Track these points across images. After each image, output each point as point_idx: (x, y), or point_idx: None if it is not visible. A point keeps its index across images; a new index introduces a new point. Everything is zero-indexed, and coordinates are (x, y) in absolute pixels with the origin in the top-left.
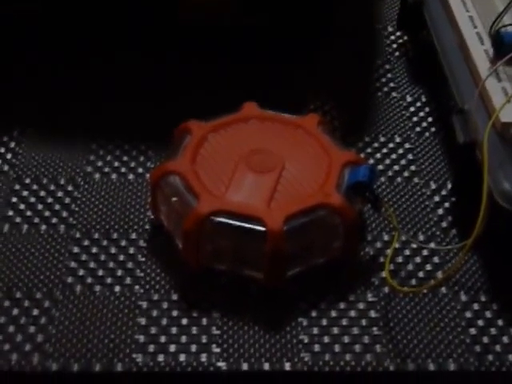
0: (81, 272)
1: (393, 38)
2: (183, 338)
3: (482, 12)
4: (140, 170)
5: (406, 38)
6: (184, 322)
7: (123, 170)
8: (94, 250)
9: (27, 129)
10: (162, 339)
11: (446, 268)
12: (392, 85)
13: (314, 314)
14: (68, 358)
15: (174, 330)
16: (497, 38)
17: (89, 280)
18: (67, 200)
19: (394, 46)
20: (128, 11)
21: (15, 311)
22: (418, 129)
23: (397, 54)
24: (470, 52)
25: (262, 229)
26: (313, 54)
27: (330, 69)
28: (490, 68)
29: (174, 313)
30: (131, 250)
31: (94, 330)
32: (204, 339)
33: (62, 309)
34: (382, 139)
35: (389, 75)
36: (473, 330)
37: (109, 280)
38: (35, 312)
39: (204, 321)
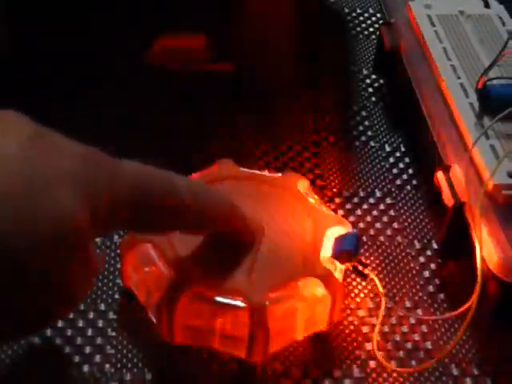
0: (45, 350)
1: (368, 81)
2: None
3: (465, 62)
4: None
5: (382, 81)
6: None
7: None
8: (60, 323)
9: None
10: None
11: (434, 337)
12: (370, 133)
13: None
14: None
15: None
16: (484, 93)
17: (54, 359)
18: None
19: (370, 90)
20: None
21: None
22: (398, 182)
23: (373, 99)
24: (455, 106)
25: (243, 305)
26: (286, 101)
27: (306, 117)
28: (476, 123)
29: None
30: (100, 323)
31: None
32: None
33: None
34: (362, 194)
35: (366, 123)
36: None
37: (76, 358)
38: None
39: None
